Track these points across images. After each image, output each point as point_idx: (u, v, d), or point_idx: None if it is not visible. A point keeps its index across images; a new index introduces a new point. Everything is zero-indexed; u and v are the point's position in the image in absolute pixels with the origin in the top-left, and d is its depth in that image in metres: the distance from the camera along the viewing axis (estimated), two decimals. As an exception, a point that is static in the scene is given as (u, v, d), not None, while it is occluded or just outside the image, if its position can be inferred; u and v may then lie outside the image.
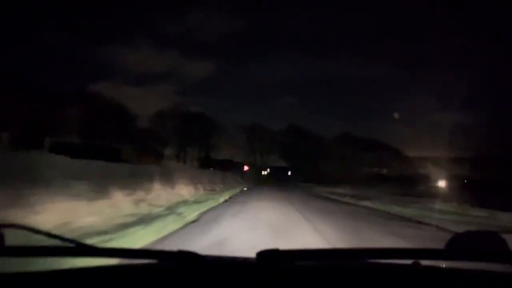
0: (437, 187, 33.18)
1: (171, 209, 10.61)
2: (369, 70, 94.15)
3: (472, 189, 26.59)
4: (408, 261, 1.17)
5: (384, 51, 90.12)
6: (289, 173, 70.39)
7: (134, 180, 11.08)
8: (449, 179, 34.67)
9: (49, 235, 1.17)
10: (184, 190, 16.06)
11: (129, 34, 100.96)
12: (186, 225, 8.33)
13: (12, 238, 1.15)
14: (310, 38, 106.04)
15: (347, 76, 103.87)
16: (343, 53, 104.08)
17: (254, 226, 8.18)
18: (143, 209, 9.87)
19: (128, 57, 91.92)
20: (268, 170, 72.32)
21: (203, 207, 12.67)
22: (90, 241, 4.84)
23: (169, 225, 8.02)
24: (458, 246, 1.17)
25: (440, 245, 1.13)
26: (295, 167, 65.31)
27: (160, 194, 13.01)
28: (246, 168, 47.52)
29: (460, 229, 1.77)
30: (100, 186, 8.85)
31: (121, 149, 54.41)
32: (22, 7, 50.31)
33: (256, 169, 68.12)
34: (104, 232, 6.36)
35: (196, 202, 14.08)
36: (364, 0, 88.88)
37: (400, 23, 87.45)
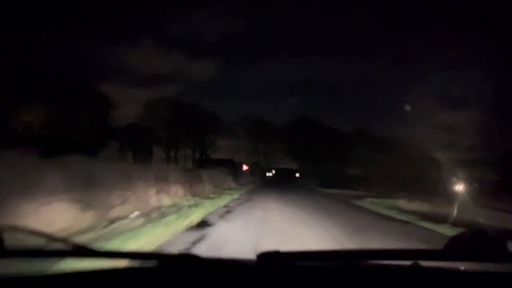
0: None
1: None
2: (374, 70, 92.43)
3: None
4: (408, 262, 1.16)
5: (389, 51, 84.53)
6: (297, 174, 63.47)
7: None
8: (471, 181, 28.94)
9: (48, 237, 1.18)
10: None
11: (132, 35, 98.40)
12: None
13: (12, 241, 1.12)
14: (315, 38, 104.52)
15: (351, 76, 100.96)
16: (347, 53, 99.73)
17: None
18: None
19: (131, 58, 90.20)
20: (274, 171, 62.72)
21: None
22: None
23: None
24: (457, 246, 1.19)
25: None
26: (306, 167, 55.34)
27: None
28: (245, 167, 37.72)
29: None
30: None
31: (101, 146, 45.89)
32: (26, 6, 48.86)
33: (259, 170, 58.43)
34: None
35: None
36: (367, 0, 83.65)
37: (406, 23, 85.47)
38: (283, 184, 35.82)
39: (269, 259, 1.10)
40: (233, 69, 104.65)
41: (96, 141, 45.34)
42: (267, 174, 63.71)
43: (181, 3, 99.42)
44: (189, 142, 55.47)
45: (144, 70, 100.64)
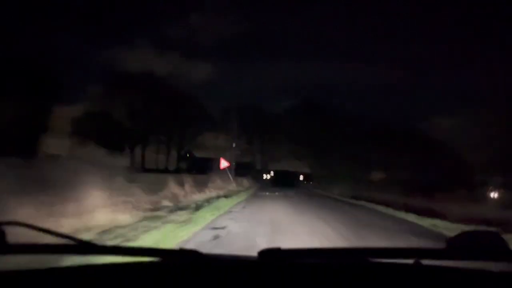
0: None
1: None
2: (375, 73, 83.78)
3: None
4: (410, 261, 1.18)
5: (394, 55, 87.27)
6: (301, 177, 52.43)
7: None
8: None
9: (50, 232, 1.18)
10: None
11: (128, 36, 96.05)
12: None
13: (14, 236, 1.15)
14: (313, 42, 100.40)
15: (350, 79, 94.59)
16: (345, 56, 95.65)
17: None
18: None
19: (128, 59, 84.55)
20: (272, 173, 49.91)
21: None
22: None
23: None
24: (459, 245, 1.19)
25: None
26: (317, 170, 42.12)
27: None
28: (224, 164, 24.43)
29: None
30: None
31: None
32: (22, 6, 42.29)
33: (255, 172, 50.11)
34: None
35: None
36: (367, 4, 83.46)
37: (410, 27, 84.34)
38: (288, 195, 21.38)
39: (270, 256, 1.11)
40: (230, 71, 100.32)
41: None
42: (264, 177, 50.79)
43: (179, 6, 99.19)
44: (163, 136, 42.44)
45: (140, 72, 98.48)
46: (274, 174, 52.84)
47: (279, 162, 55.20)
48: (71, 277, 1.10)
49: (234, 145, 33.62)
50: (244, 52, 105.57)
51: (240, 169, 43.89)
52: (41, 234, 1.17)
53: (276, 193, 22.76)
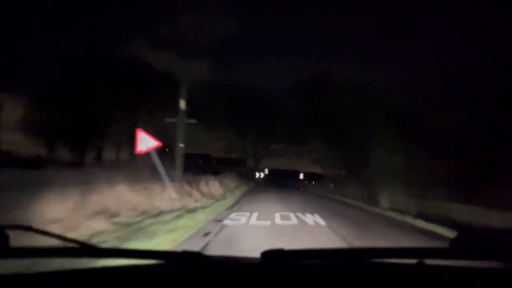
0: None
1: None
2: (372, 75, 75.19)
3: None
4: (413, 261, 1.17)
5: (389, 55, 75.40)
6: (301, 176, 42.87)
7: None
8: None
9: (54, 236, 1.19)
10: None
11: (123, 35, 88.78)
12: None
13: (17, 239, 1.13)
14: (310, 42, 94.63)
15: (349, 81, 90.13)
16: (343, 58, 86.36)
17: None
18: None
19: (126, 58, 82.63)
20: (267, 171, 40.60)
21: None
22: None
23: None
24: (462, 245, 1.32)
25: None
26: (329, 166, 33.25)
27: None
28: (146, 144, 11.04)
29: None
30: None
31: None
32: (14, 5, 36.86)
33: (247, 170, 39.58)
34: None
35: None
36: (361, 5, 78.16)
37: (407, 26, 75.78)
38: (306, 222, 8.39)
39: (273, 257, 1.10)
40: (230, 71, 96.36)
41: None
42: (257, 175, 41.93)
43: (175, 5, 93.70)
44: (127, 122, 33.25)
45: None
46: (268, 173, 43.23)
47: (277, 158, 45.73)
48: (74, 280, 1.08)
49: (182, 105, 15.37)
50: (243, 52, 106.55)
51: (222, 165, 34.35)
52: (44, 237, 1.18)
53: (278, 217, 9.60)
